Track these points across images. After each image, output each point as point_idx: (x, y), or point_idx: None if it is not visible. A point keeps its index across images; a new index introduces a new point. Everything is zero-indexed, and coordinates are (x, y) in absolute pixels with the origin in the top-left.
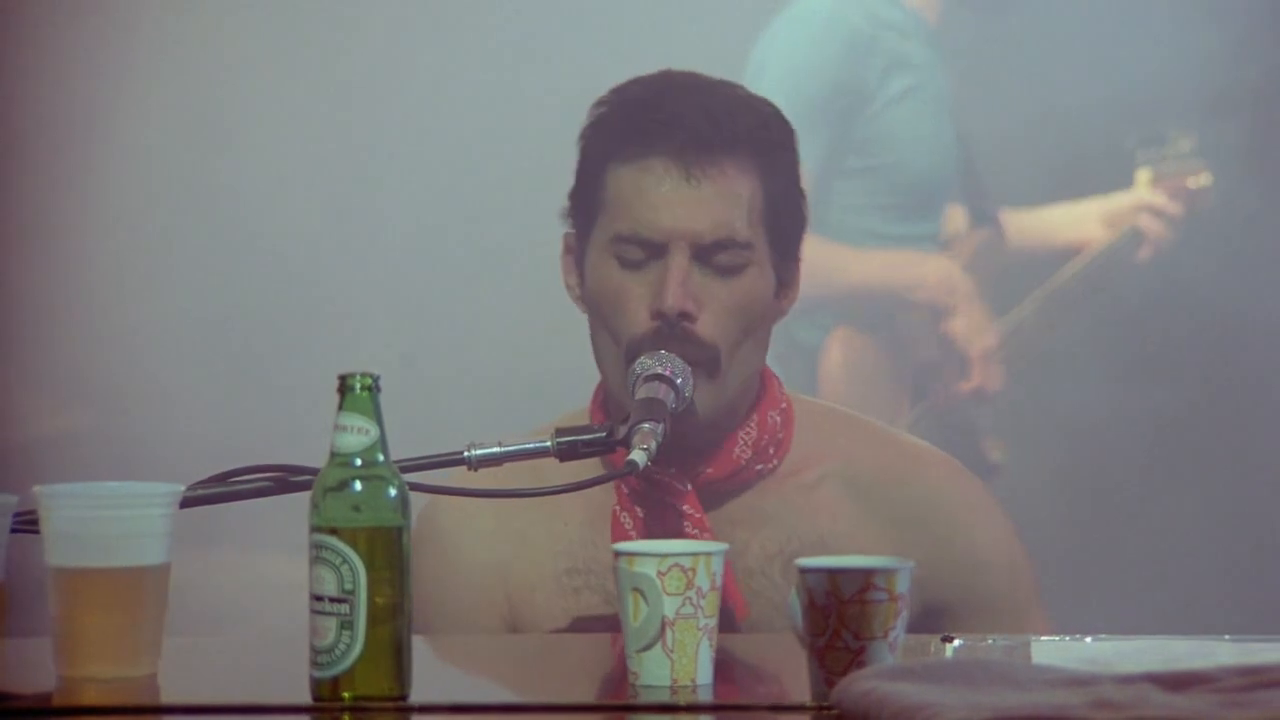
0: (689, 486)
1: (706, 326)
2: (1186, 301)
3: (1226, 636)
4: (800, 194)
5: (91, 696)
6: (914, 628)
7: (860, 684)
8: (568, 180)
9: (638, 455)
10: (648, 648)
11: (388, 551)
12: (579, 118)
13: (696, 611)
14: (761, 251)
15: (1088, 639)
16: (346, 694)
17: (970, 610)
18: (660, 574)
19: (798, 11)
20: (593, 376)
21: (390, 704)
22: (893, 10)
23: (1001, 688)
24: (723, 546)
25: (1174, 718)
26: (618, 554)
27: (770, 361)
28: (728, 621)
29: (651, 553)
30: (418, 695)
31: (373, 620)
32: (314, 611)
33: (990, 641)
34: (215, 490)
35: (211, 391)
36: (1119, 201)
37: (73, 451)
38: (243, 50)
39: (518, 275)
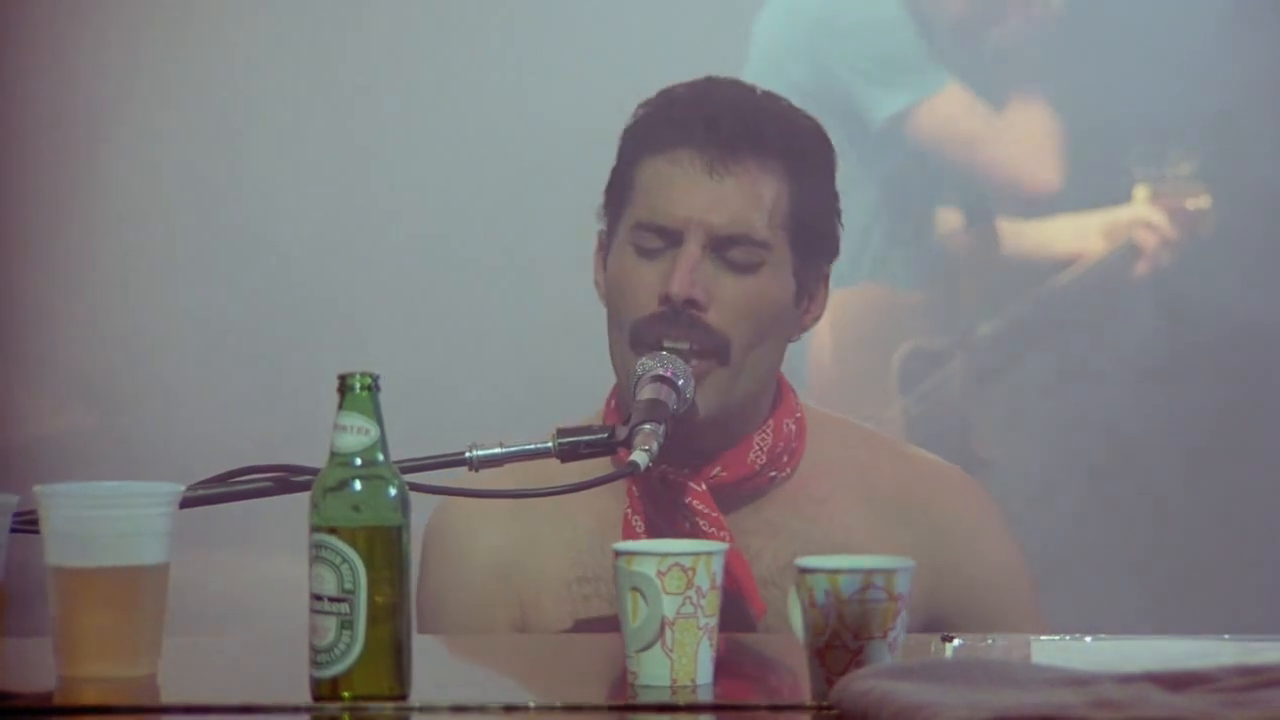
0: (703, 487)
1: (716, 317)
2: (1183, 309)
3: (1226, 636)
4: (833, 214)
5: (91, 696)
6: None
7: (860, 683)
8: (579, 181)
9: (639, 456)
10: (647, 647)
11: (387, 551)
12: (584, 118)
13: (696, 611)
14: (780, 255)
15: (1087, 639)
16: (346, 693)
17: (975, 623)
18: (660, 573)
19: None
20: (605, 382)
21: (390, 703)
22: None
23: (1001, 687)
24: (723, 546)
25: (1174, 717)
26: (617, 553)
27: None
28: (747, 621)
29: (651, 552)
30: (417, 695)
31: (372, 620)
32: (314, 611)
33: (990, 641)
34: (215, 490)
35: (212, 391)
36: (1117, 215)
37: (73, 451)
38: (248, 51)
39: (526, 278)
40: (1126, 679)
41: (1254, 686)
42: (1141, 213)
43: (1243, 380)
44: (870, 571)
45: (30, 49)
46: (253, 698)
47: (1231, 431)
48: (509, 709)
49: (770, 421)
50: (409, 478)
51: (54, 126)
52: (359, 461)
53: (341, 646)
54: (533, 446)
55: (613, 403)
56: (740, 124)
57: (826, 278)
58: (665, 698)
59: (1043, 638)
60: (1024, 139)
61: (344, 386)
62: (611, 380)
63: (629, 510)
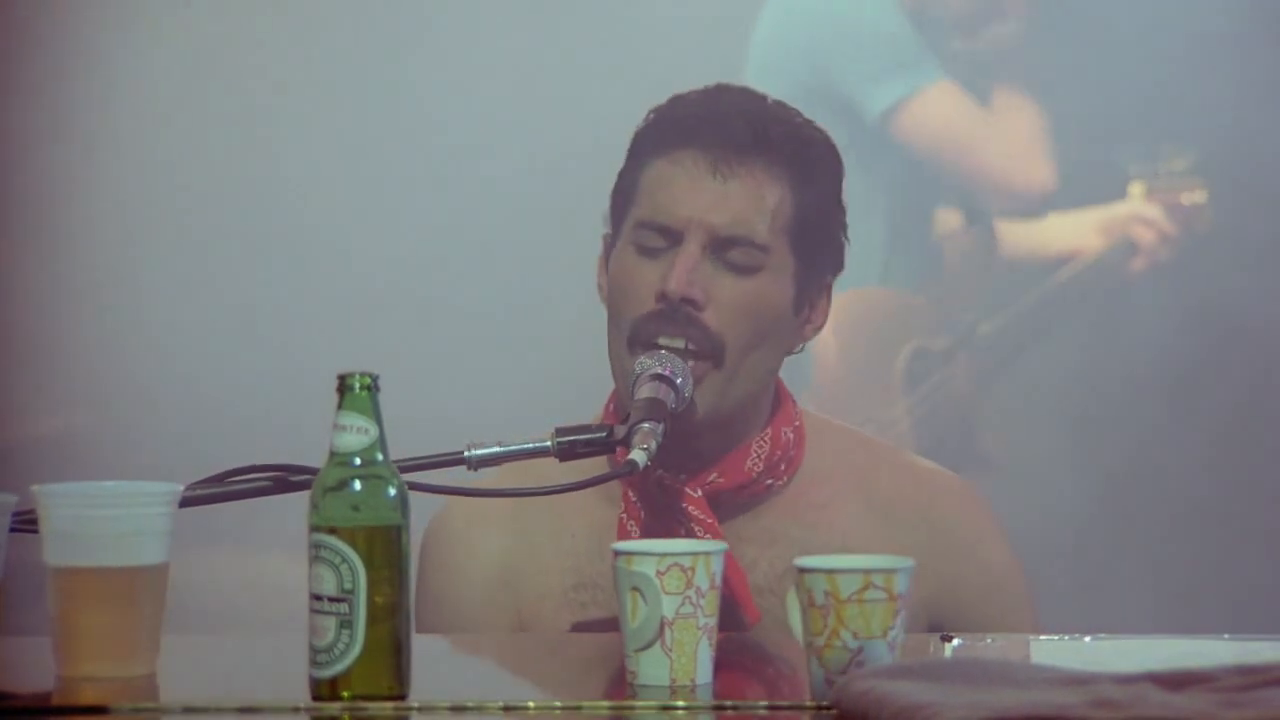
0: (698, 493)
1: (713, 317)
2: (1182, 304)
3: (1226, 636)
4: (839, 226)
5: (90, 696)
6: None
7: (859, 683)
8: (580, 182)
9: (638, 455)
10: (646, 647)
11: (387, 551)
12: (588, 119)
13: (696, 611)
14: (781, 260)
15: (1087, 638)
16: (345, 693)
17: (973, 631)
18: (659, 573)
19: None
20: (605, 384)
21: (389, 703)
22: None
23: (1001, 687)
24: (722, 546)
25: (1173, 717)
26: (616, 553)
27: None
28: (740, 629)
29: (650, 552)
30: (417, 694)
31: (372, 619)
32: (313, 611)
33: (989, 641)
34: (214, 490)
35: (211, 391)
36: (1114, 212)
37: (72, 451)
38: (250, 52)
39: (527, 279)
40: (1126, 679)
41: (1253, 686)
42: (1138, 209)
43: (1243, 375)
44: (869, 571)
45: (29, 48)
46: (252, 697)
47: (1232, 425)
48: (508, 708)
49: (768, 429)
50: (408, 477)
51: (53, 128)
52: (358, 461)
53: (341, 646)
54: (531, 445)
55: (611, 406)
56: (747, 128)
57: (829, 289)
58: (664, 697)
59: (1042, 637)
60: (1016, 137)
61: (343, 386)
62: (610, 383)
63: (624, 515)
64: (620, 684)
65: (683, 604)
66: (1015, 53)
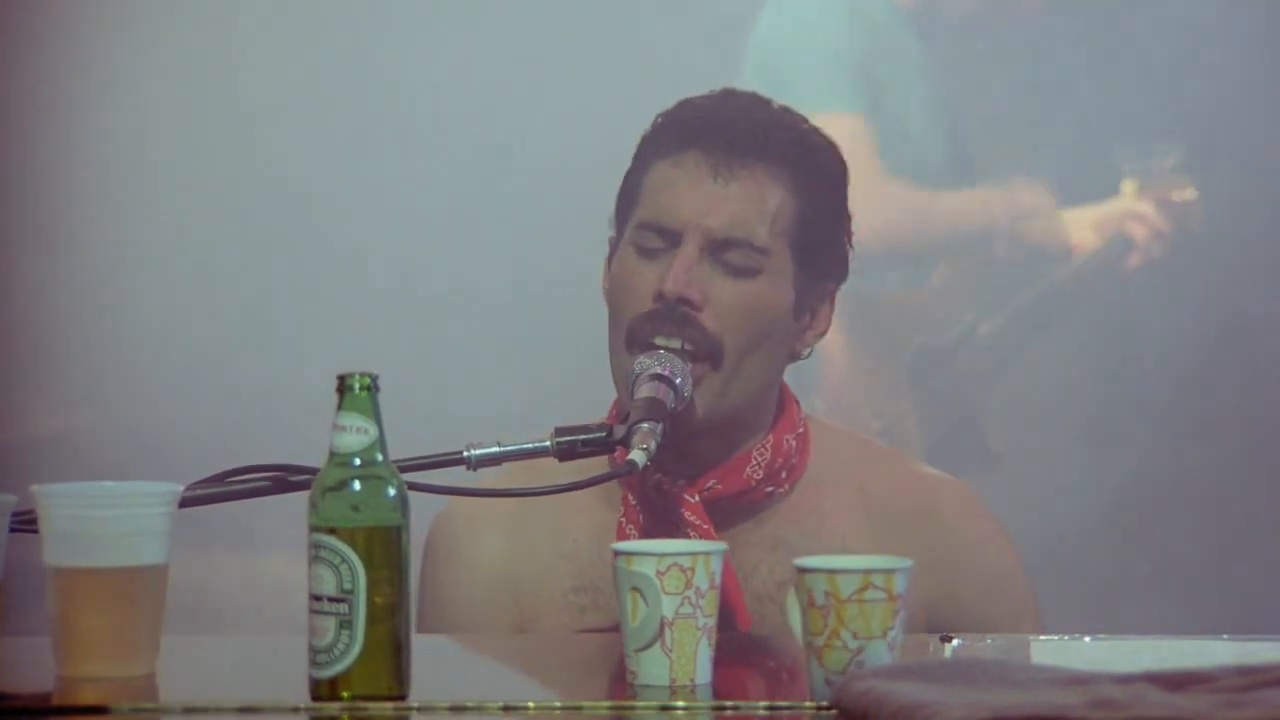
0: (696, 498)
1: (710, 318)
2: (1176, 303)
3: (1225, 636)
4: (842, 234)
5: (90, 696)
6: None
7: (859, 683)
8: (582, 182)
9: (637, 455)
10: (646, 647)
11: (386, 551)
12: (591, 121)
13: (695, 611)
14: (780, 263)
15: (1086, 639)
16: (345, 693)
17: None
18: (659, 573)
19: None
20: (605, 384)
21: (389, 703)
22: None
23: (1000, 687)
24: (721, 546)
25: (1173, 717)
26: (616, 553)
27: None
28: (731, 628)
29: (650, 552)
30: (417, 694)
31: (371, 619)
32: (313, 611)
33: (989, 641)
34: (214, 490)
35: (211, 391)
36: (1107, 209)
37: (71, 451)
38: (247, 52)
39: (527, 279)
40: (1125, 679)
41: (1253, 686)
42: (1132, 206)
43: (1242, 370)
44: (869, 571)
45: (26, 47)
46: (251, 698)
47: (1232, 422)
48: (508, 708)
49: (769, 436)
50: (407, 477)
51: (51, 126)
52: (358, 461)
53: (340, 646)
54: (530, 445)
55: (614, 413)
56: (750, 131)
57: (832, 296)
58: (664, 697)
59: (1042, 638)
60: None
61: (343, 386)
62: (608, 386)
63: (623, 519)
64: (620, 684)
65: (682, 604)
66: (1013, 51)
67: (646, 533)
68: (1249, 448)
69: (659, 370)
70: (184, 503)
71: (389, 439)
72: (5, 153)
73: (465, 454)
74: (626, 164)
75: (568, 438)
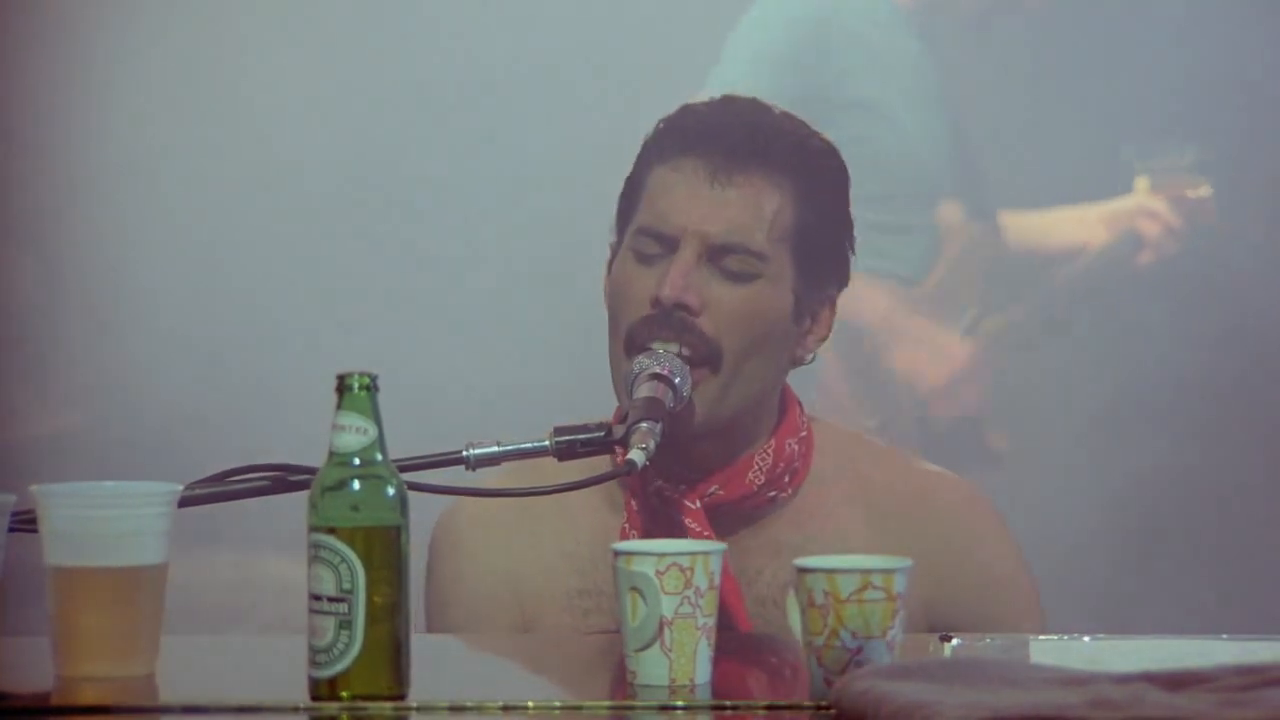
0: (697, 504)
1: (708, 323)
2: (1190, 300)
3: (1225, 636)
4: (843, 239)
5: (89, 696)
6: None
7: (858, 683)
8: (583, 183)
9: (636, 454)
10: (646, 647)
11: (386, 551)
12: (592, 123)
13: (695, 611)
14: (779, 269)
15: (1085, 638)
16: (345, 693)
17: (977, 631)
18: (658, 573)
19: (768, 5)
20: (604, 384)
21: (388, 703)
22: (871, 4)
23: (999, 687)
24: (720, 546)
25: (1172, 717)
26: (616, 553)
27: None
28: (731, 628)
29: (649, 552)
30: (416, 694)
31: (371, 619)
32: (312, 611)
33: (988, 641)
34: (213, 490)
35: (210, 391)
36: (1119, 205)
37: (71, 450)
38: (245, 52)
39: (526, 279)
40: (1124, 678)
41: (1252, 686)
42: (1144, 202)
43: (1252, 368)
44: (869, 571)
45: (22, 46)
46: (251, 697)
47: (1242, 420)
48: (507, 708)
49: (771, 441)
50: (407, 477)
51: (50, 124)
52: (357, 461)
53: (340, 646)
54: (530, 445)
55: (618, 416)
56: (749, 136)
57: (833, 301)
58: (664, 697)
59: (1041, 638)
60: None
61: (342, 386)
62: (608, 388)
63: (626, 525)
64: (620, 684)
65: (681, 604)
66: (1022, 47)
67: (648, 537)
68: (1258, 447)
69: (658, 370)
70: (184, 502)
71: (388, 439)
72: (4, 152)
73: (464, 454)
74: (628, 165)
75: (567, 437)
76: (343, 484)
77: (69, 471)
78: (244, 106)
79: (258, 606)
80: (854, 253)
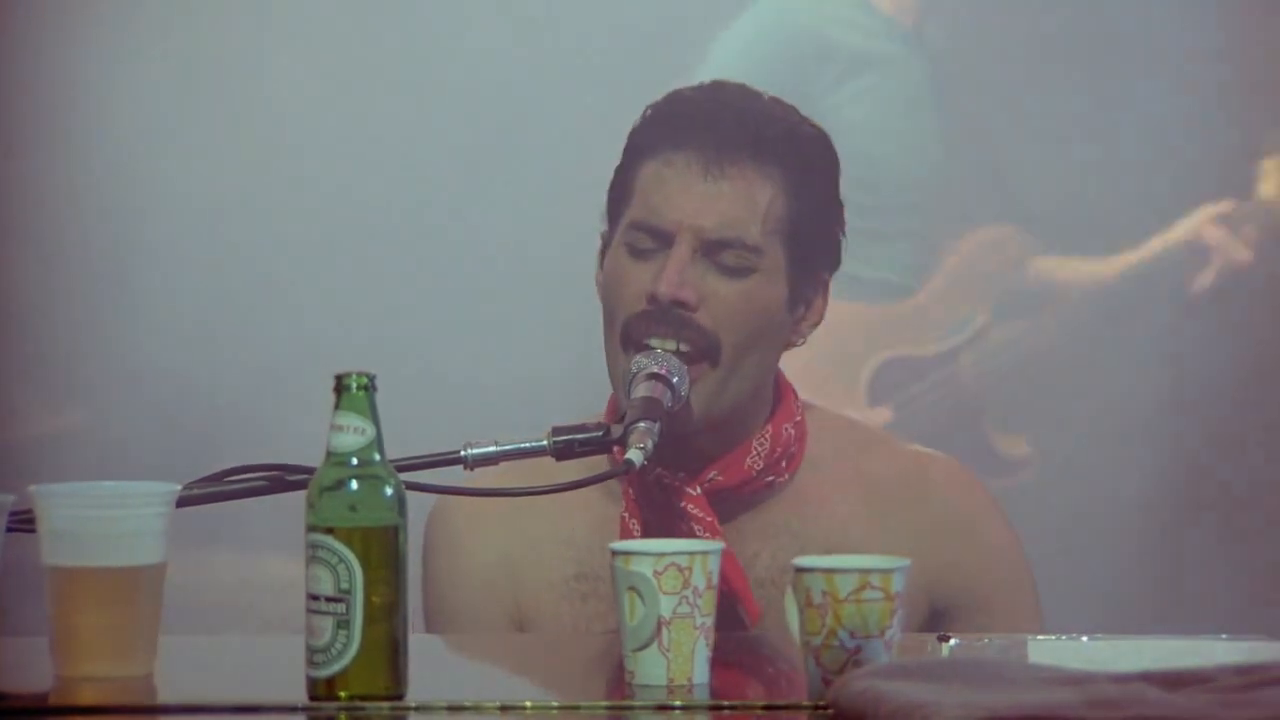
0: (698, 490)
1: (706, 317)
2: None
3: (1224, 636)
4: (835, 224)
5: (88, 696)
6: (922, 628)
7: (857, 683)
8: (579, 178)
9: (634, 454)
10: (644, 647)
11: (384, 551)
12: (587, 117)
13: (693, 611)
14: (773, 261)
15: (1084, 638)
16: (343, 693)
17: (976, 612)
18: (656, 573)
19: (752, 14)
20: (601, 382)
21: (386, 703)
22: (856, 11)
23: (998, 686)
24: (719, 546)
25: (1170, 716)
26: (614, 553)
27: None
28: (741, 626)
29: (648, 551)
30: (414, 694)
31: (369, 619)
32: (310, 611)
33: (987, 641)
34: (211, 489)
35: (208, 391)
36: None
37: (69, 451)
38: (242, 54)
39: (523, 278)
40: (1122, 678)
41: (1251, 686)
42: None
43: (1253, 363)
44: (867, 571)
45: (17, 44)
46: (249, 697)
47: (1244, 416)
48: (505, 708)
49: (769, 427)
50: (405, 477)
51: (50, 124)
52: (355, 461)
53: (338, 646)
54: (528, 445)
55: (611, 406)
56: (740, 127)
57: (826, 286)
58: (662, 697)
59: (1039, 637)
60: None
61: (340, 386)
62: (605, 383)
63: (625, 514)
64: (618, 684)
65: (680, 604)
66: (1017, 49)
67: (649, 526)
68: (1266, 442)
69: (656, 369)
70: (182, 502)
71: (386, 438)
72: (4, 152)
73: (463, 453)
74: (618, 155)
75: (565, 437)
76: (341, 484)
77: (67, 472)
78: (243, 105)
79: (256, 606)
80: (845, 236)
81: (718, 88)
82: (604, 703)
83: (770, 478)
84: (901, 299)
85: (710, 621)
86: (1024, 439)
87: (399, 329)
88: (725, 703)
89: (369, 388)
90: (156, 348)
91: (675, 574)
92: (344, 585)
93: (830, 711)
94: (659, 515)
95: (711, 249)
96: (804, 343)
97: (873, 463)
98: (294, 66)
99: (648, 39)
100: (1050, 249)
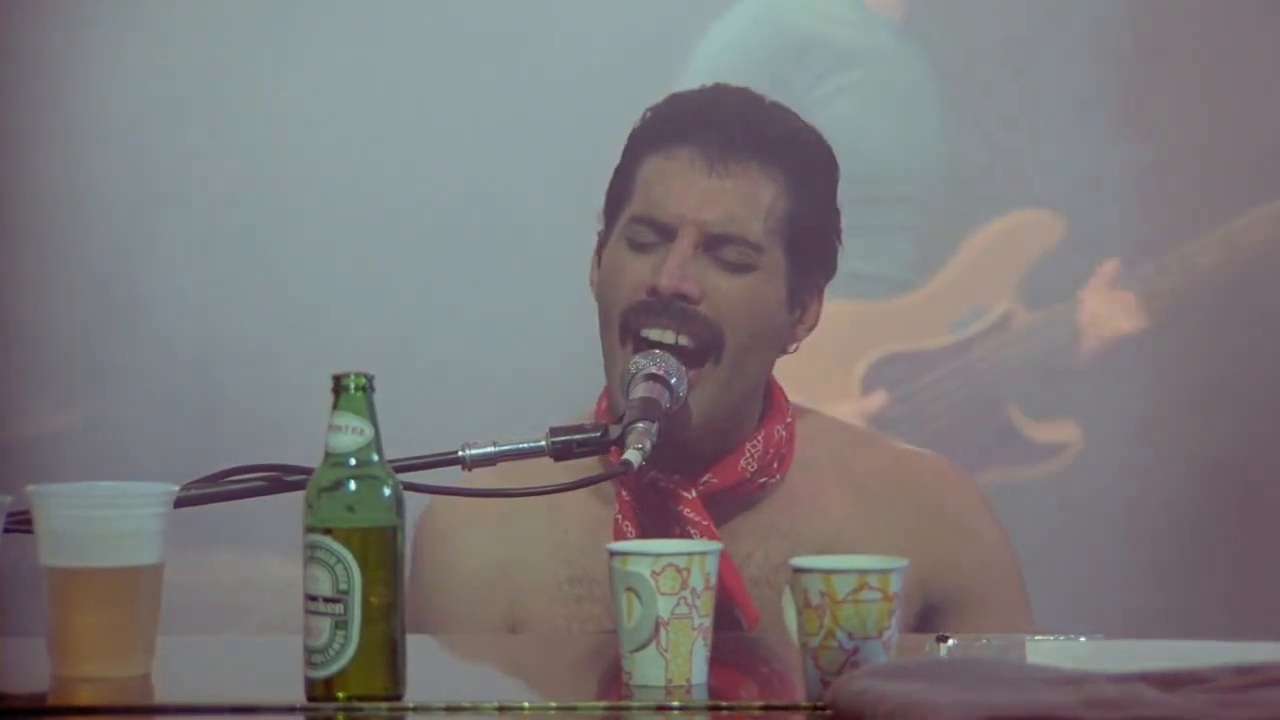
0: (693, 493)
1: (710, 310)
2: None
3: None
4: (832, 231)
5: (86, 696)
6: (915, 626)
7: (855, 683)
8: (575, 179)
9: (632, 455)
10: (642, 647)
11: (382, 551)
12: (584, 117)
13: (691, 611)
14: (773, 260)
15: (1081, 639)
16: (341, 693)
17: (968, 608)
18: (654, 574)
19: (740, 8)
20: (598, 382)
21: (384, 703)
22: (845, 7)
23: (996, 687)
24: (717, 546)
25: (1167, 716)
26: (612, 554)
27: None
28: (737, 626)
29: (646, 552)
30: (412, 695)
31: (367, 620)
32: (308, 611)
33: (985, 641)
34: (209, 490)
35: (206, 391)
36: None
37: (66, 451)
38: (241, 55)
39: (520, 277)
40: (1120, 678)
41: (1249, 686)
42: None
43: (1253, 357)
44: (865, 572)
45: (24, 42)
46: (247, 698)
47: (1246, 415)
48: (503, 709)
49: (761, 429)
50: (403, 477)
51: (49, 124)
52: (354, 462)
53: (336, 647)
54: (526, 445)
55: (603, 404)
56: (744, 127)
57: (821, 292)
58: (660, 698)
59: (1037, 638)
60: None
61: (338, 387)
62: (603, 380)
63: (619, 515)
64: (616, 684)
65: (678, 604)
66: (1011, 42)
67: (643, 528)
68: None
69: (654, 370)
70: (180, 503)
71: (384, 439)
72: (3, 152)
73: (461, 454)
74: (609, 151)
75: (563, 438)
76: (339, 484)
77: (65, 472)
78: (243, 106)
79: (254, 607)
80: (841, 243)
81: (720, 90)
82: (602, 703)
83: (763, 479)
84: (900, 294)
85: (708, 622)
86: (1067, 425)
87: (399, 329)
88: (723, 703)
89: (367, 388)
90: (155, 348)
91: (673, 575)
92: (342, 586)
93: (829, 712)
94: (653, 517)
95: (713, 244)
96: (796, 349)
97: (864, 460)
98: (293, 67)
99: (642, 37)
100: (1057, 241)
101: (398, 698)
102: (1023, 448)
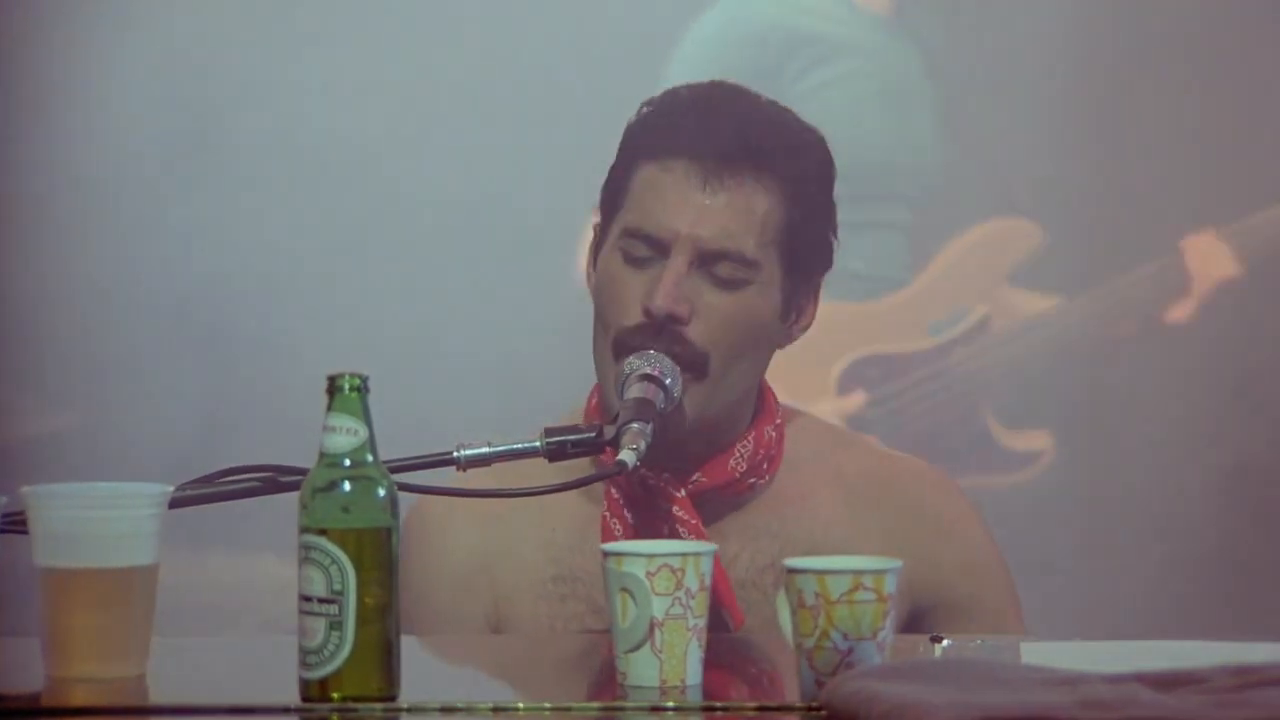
0: (683, 492)
1: (697, 332)
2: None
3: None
4: (828, 226)
5: (80, 697)
6: (904, 629)
7: (849, 684)
8: (571, 176)
9: (627, 455)
10: (636, 648)
11: (377, 552)
12: (580, 115)
13: (685, 612)
14: (770, 273)
15: (1077, 640)
16: (335, 694)
17: (956, 611)
18: (649, 574)
19: (720, 5)
20: (591, 379)
21: (379, 704)
22: (826, 1)
23: (990, 687)
24: (712, 547)
25: (1163, 717)
26: (606, 554)
27: None
28: (723, 629)
29: (640, 553)
30: (407, 695)
31: (362, 621)
32: (303, 612)
33: (979, 642)
34: (204, 491)
35: (201, 392)
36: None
37: (61, 452)
38: (238, 54)
39: (516, 277)
40: (1115, 679)
41: (1244, 687)
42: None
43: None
44: (859, 573)
45: (22, 42)
46: (242, 698)
47: (1246, 408)
48: (498, 709)
49: (752, 430)
50: (397, 478)
51: (49, 123)
52: (348, 462)
53: (331, 647)
54: (520, 446)
55: (594, 401)
56: (739, 137)
57: (818, 289)
58: (654, 699)
59: (1032, 639)
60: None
61: (333, 387)
62: (593, 378)
63: (607, 514)
64: (610, 685)
65: (672, 605)
66: (1008, 39)
67: (632, 527)
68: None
69: (649, 371)
70: (175, 503)
71: (379, 439)
72: (4, 152)
73: (455, 454)
74: (600, 146)
75: (558, 438)
76: (333, 485)
77: (59, 472)
78: (241, 106)
79: (248, 608)
80: (838, 238)
81: (715, 88)
82: (596, 704)
83: (752, 479)
84: (883, 293)
85: (703, 623)
86: (1042, 434)
87: (398, 329)
88: (718, 704)
89: (361, 389)
90: (152, 348)
91: (668, 575)
92: (337, 586)
93: (823, 713)
94: (642, 516)
95: (708, 260)
96: (786, 346)
97: (853, 464)
98: (291, 66)
99: (606, 44)
100: (1042, 243)
101: (392, 698)
102: (999, 455)
